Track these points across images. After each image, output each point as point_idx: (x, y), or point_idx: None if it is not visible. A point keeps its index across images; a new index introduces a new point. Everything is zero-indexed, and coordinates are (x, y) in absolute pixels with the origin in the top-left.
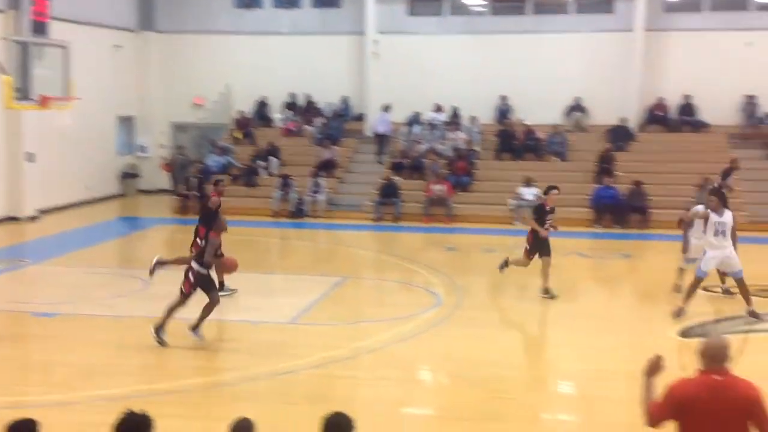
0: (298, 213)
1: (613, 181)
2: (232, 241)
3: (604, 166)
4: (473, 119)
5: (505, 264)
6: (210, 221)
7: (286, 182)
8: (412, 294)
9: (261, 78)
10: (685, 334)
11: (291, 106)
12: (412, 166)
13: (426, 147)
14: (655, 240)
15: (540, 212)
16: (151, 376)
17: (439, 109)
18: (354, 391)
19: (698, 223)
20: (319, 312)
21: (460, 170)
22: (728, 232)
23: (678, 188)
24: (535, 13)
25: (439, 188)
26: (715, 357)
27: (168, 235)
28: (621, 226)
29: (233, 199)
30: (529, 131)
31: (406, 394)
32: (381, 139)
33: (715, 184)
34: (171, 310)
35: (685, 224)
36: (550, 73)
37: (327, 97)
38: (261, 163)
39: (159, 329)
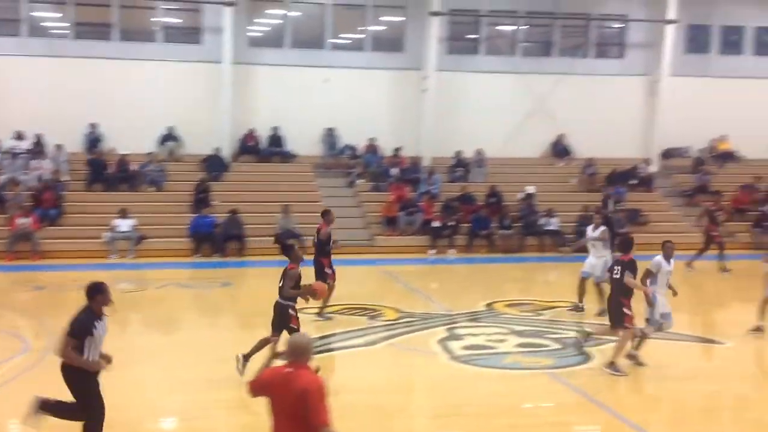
0: None
1: (210, 211)
2: None
3: (201, 196)
4: (59, 147)
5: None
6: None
7: None
8: None
9: None
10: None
11: None
12: None
13: (6, 177)
14: (253, 267)
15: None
16: None
17: (20, 136)
18: None
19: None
20: None
21: (47, 202)
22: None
23: (271, 216)
24: (121, 40)
25: (23, 222)
26: (293, 352)
27: None
28: (220, 255)
29: None
30: (122, 160)
31: None
32: None
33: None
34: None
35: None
36: (141, 101)
37: None
38: None
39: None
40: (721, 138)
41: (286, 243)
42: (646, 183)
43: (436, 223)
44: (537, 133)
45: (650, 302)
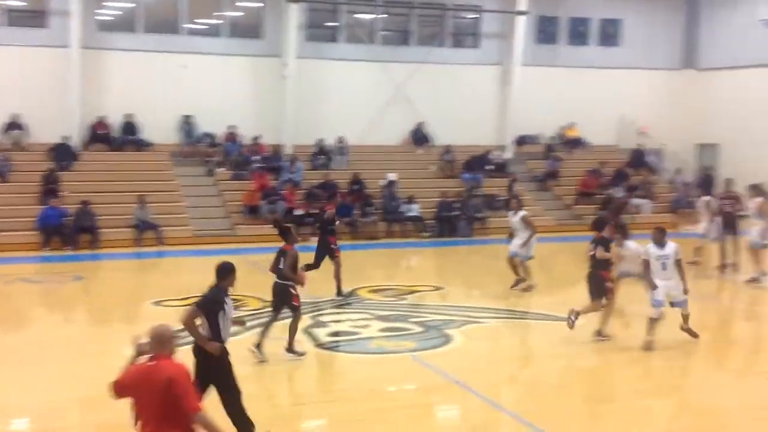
0: None
1: (59, 202)
2: None
3: (49, 187)
4: None
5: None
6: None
7: None
8: None
9: None
10: None
11: None
12: None
13: None
14: (106, 259)
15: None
16: None
17: None
18: None
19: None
20: None
21: None
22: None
23: (125, 207)
24: None
25: None
26: (156, 343)
27: None
28: (71, 248)
29: None
30: None
31: None
32: None
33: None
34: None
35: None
36: None
37: None
38: None
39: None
40: (569, 125)
41: (283, 225)
42: (501, 169)
43: (298, 211)
44: (397, 120)
45: (652, 286)
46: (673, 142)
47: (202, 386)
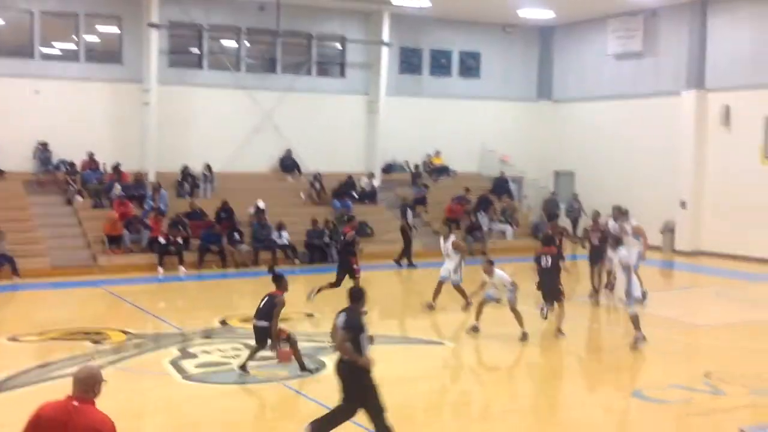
0: None
1: None
2: None
3: None
4: None
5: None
6: None
7: None
8: None
9: None
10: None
11: None
12: None
13: None
14: None
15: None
16: None
17: None
18: None
19: None
20: None
21: None
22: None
23: None
24: None
25: None
26: (83, 383)
27: None
28: None
29: None
30: None
31: None
32: None
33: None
34: None
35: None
36: None
37: None
38: None
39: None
40: (435, 154)
41: (276, 272)
42: (370, 196)
43: (162, 240)
44: (265, 148)
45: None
46: (532, 170)
47: (347, 404)
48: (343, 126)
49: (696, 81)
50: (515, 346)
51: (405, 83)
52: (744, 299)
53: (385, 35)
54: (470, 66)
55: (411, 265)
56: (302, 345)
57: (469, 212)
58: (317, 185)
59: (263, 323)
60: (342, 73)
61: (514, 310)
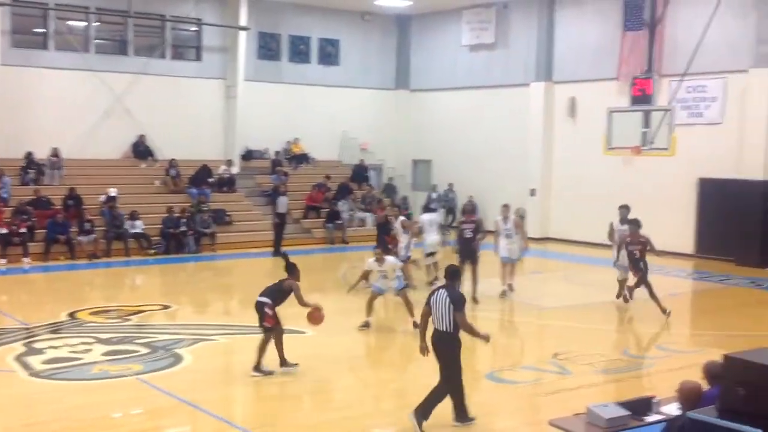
0: None
1: None
2: None
3: None
4: None
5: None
6: None
7: None
8: None
9: None
10: None
11: None
12: None
13: None
14: None
15: None
16: None
17: None
18: None
19: None
20: None
21: None
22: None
23: None
24: None
25: None
26: None
27: None
28: None
29: None
30: None
31: None
32: None
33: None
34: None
35: None
36: None
37: None
38: None
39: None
40: (294, 141)
41: (289, 261)
42: (228, 184)
43: (2, 230)
44: (117, 133)
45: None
46: (391, 158)
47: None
48: (200, 111)
49: (544, 73)
50: (375, 333)
51: (264, 69)
52: (586, 283)
53: (243, 19)
54: (329, 53)
55: (278, 253)
56: (156, 338)
57: (329, 200)
58: (173, 172)
59: (263, 298)
60: (198, 57)
61: (405, 298)
